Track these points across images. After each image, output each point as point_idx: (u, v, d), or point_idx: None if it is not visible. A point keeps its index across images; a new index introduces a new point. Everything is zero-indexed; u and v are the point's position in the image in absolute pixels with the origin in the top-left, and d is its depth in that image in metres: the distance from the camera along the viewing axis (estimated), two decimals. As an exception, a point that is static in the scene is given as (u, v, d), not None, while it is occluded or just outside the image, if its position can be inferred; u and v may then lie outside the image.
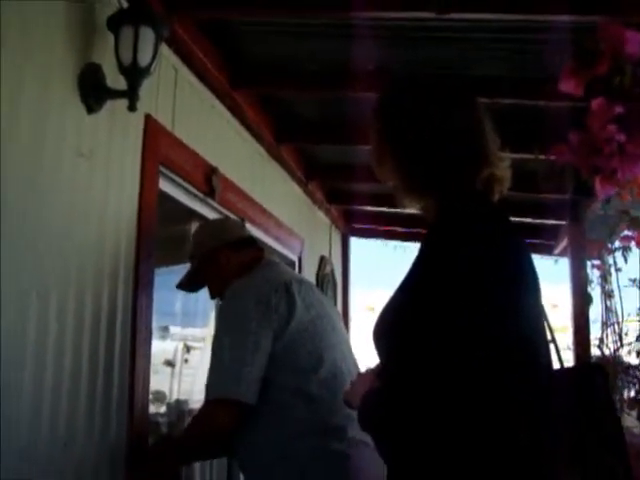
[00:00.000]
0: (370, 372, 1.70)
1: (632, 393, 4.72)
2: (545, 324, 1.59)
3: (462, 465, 1.40)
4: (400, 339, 1.51)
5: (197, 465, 3.58)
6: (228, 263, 2.66)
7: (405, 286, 1.59)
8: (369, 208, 6.80)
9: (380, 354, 1.63)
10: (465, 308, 1.41)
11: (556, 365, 1.61)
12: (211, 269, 2.72)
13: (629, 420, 4.37)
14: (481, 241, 1.48)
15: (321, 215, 6.48)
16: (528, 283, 1.55)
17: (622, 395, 4.69)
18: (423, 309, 1.46)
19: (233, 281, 2.54)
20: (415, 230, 6.95)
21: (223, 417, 2.34)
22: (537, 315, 1.57)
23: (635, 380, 4.78)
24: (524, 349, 1.46)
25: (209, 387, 2.37)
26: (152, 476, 2.56)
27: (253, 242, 2.81)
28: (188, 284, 2.87)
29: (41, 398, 2.16)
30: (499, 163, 1.67)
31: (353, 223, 7.50)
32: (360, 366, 2.54)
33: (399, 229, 7.21)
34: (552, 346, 1.61)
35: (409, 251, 7.56)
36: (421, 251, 1.60)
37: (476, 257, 1.45)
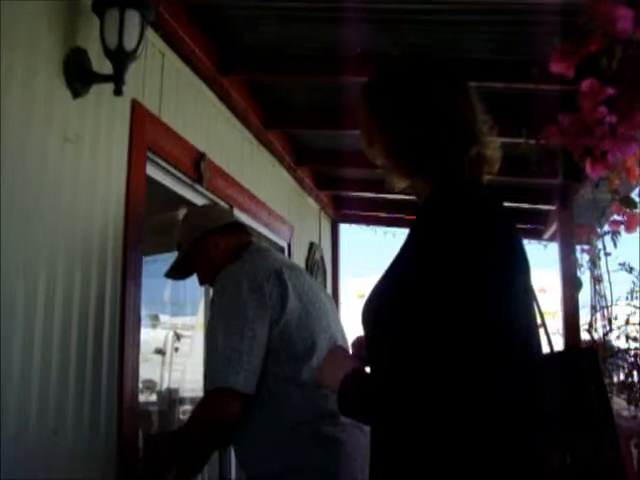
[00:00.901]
0: (341, 352, 1.72)
1: (621, 377, 4.74)
2: (536, 308, 1.59)
3: (450, 450, 1.40)
4: (388, 325, 1.50)
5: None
6: (216, 249, 2.64)
7: (394, 270, 1.59)
8: (359, 194, 6.79)
9: (367, 337, 1.63)
10: (456, 294, 1.40)
11: (546, 349, 1.61)
12: (199, 256, 2.69)
13: (618, 403, 4.39)
14: (471, 226, 1.47)
15: (310, 201, 6.47)
16: (519, 268, 1.53)
17: (612, 379, 4.71)
18: (412, 296, 1.45)
19: (222, 267, 2.51)
20: (405, 216, 6.96)
21: (225, 408, 2.30)
22: (528, 300, 1.55)
23: (624, 364, 4.80)
24: (515, 333, 1.45)
25: (207, 378, 2.34)
26: (153, 472, 2.54)
27: (241, 227, 2.79)
28: (176, 272, 2.85)
29: (29, 387, 2.15)
30: (489, 143, 1.66)
31: (343, 209, 7.48)
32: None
33: (389, 215, 7.20)
34: (542, 330, 1.61)
35: (399, 237, 7.57)
36: (411, 235, 1.59)
37: (467, 242, 1.43)
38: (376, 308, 1.59)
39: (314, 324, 2.43)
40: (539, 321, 1.59)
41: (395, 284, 1.56)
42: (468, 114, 1.65)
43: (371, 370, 1.60)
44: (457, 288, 1.40)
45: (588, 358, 1.60)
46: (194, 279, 2.85)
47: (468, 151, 1.62)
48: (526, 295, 1.54)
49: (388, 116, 1.67)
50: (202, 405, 2.43)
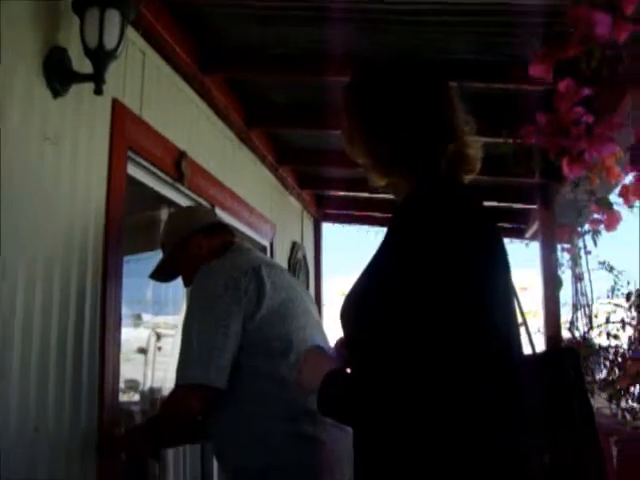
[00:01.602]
0: (320, 352, 1.71)
1: (603, 374, 4.78)
2: (517, 308, 1.59)
3: (429, 451, 1.40)
4: (369, 324, 1.51)
5: (171, 456, 3.58)
6: (199, 249, 2.64)
7: (373, 269, 1.59)
8: (341, 193, 6.79)
9: (346, 336, 1.64)
10: (435, 292, 1.40)
11: (528, 349, 1.62)
12: (183, 257, 2.70)
13: (600, 401, 4.42)
14: (450, 225, 1.46)
15: (292, 200, 6.46)
16: (499, 266, 1.53)
17: (593, 376, 4.74)
18: (392, 295, 1.45)
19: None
20: (388, 215, 6.95)
21: (193, 402, 2.33)
22: (508, 298, 1.55)
23: (606, 361, 4.84)
24: (495, 331, 1.45)
25: (178, 372, 2.35)
26: (127, 455, 2.64)
27: (224, 227, 2.79)
28: (161, 274, 2.85)
29: (9, 384, 2.14)
30: (471, 142, 1.66)
31: (325, 208, 7.49)
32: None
33: (372, 214, 7.21)
34: (523, 330, 1.62)
35: (382, 235, 7.58)
36: (389, 233, 1.60)
37: (446, 241, 1.43)
38: (356, 307, 1.59)
39: (292, 321, 2.45)
40: (520, 320, 1.59)
41: (375, 283, 1.56)
42: (448, 113, 1.65)
43: (352, 370, 1.60)
44: (436, 287, 1.40)
45: (569, 358, 1.60)
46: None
47: (446, 148, 1.63)
48: (506, 294, 1.53)
49: (368, 115, 1.69)
50: (170, 399, 2.48)
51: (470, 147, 1.66)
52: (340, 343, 1.79)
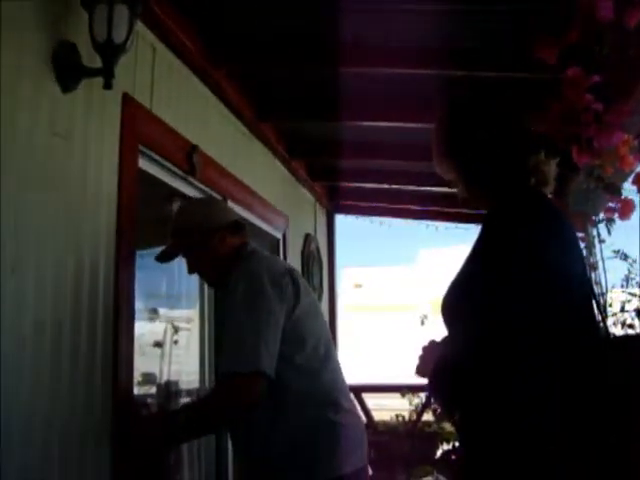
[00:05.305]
0: (434, 343, 1.90)
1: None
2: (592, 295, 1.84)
3: (521, 418, 1.63)
4: (471, 311, 1.73)
5: (185, 448, 3.59)
6: (222, 244, 2.72)
7: (470, 269, 1.83)
8: (354, 184, 6.78)
9: (448, 324, 1.85)
10: (532, 285, 1.65)
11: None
12: (204, 246, 2.75)
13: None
14: (538, 229, 1.74)
15: (305, 192, 6.47)
16: (578, 259, 1.80)
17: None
18: (494, 284, 1.69)
19: (221, 263, 2.69)
20: (401, 206, 6.96)
21: (255, 390, 2.40)
22: (585, 287, 1.83)
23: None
24: (583, 319, 1.73)
25: (231, 361, 2.43)
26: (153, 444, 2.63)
27: (244, 227, 2.88)
28: (168, 256, 2.87)
29: (21, 378, 2.16)
30: (543, 160, 1.94)
31: (338, 200, 7.48)
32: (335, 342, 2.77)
33: (385, 205, 7.20)
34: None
35: (395, 227, 7.61)
36: (484, 237, 1.84)
37: (543, 235, 1.72)
38: (457, 298, 1.82)
39: (317, 320, 2.68)
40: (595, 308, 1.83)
41: (474, 278, 1.79)
42: (525, 139, 1.93)
43: (455, 358, 1.77)
44: (530, 282, 1.65)
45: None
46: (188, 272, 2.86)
47: (525, 166, 1.91)
48: (583, 282, 1.82)
49: (460, 149, 1.95)
50: (228, 385, 2.49)
51: (544, 164, 1.94)
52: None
